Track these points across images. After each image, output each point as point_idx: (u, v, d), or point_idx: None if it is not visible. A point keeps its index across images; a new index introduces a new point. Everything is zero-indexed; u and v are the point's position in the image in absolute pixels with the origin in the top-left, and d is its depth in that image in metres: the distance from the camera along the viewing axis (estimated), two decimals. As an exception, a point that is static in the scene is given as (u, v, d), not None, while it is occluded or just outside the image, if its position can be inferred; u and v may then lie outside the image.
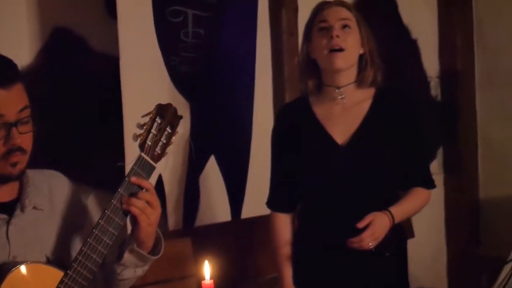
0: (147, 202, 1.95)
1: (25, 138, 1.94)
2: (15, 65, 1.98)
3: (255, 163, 3.69)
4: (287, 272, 2.74)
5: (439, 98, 4.80)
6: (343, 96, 2.66)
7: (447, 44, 4.76)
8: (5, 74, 1.92)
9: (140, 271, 2.10)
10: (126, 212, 1.94)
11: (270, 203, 2.83)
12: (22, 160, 1.95)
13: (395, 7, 4.52)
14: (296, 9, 3.85)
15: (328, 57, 2.61)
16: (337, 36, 2.58)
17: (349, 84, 2.66)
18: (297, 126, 2.71)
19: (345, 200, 2.61)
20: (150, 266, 2.21)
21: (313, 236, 2.69)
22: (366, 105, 2.68)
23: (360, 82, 2.68)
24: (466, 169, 4.80)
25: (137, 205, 1.93)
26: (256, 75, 3.71)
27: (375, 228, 2.54)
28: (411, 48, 4.64)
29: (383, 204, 2.61)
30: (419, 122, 2.77)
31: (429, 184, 2.75)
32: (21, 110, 1.93)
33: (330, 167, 2.64)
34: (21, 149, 1.93)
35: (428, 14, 4.76)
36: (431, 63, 4.76)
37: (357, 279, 2.65)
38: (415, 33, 4.64)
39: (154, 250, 2.06)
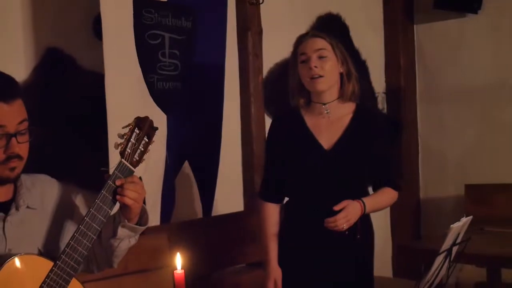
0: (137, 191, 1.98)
1: (22, 147, 1.95)
2: (16, 83, 1.99)
3: (224, 167, 3.72)
4: (274, 254, 2.80)
5: (385, 111, 4.86)
6: (328, 111, 2.77)
7: (392, 64, 4.83)
8: (8, 91, 1.93)
9: (133, 241, 2.11)
10: (114, 201, 1.96)
11: (263, 195, 2.88)
12: (19, 165, 1.96)
13: (347, 32, 4.56)
14: (260, 33, 3.88)
15: (310, 83, 2.72)
16: (315, 67, 2.69)
17: (333, 100, 2.77)
18: (291, 132, 2.79)
19: (327, 193, 2.71)
20: (130, 257, 2.23)
21: (299, 223, 2.77)
22: (347, 119, 2.78)
23: (342, 97, 2.78)
24: (409, 173, 4.85)
25: (130, 195, 1.95)
26: (225, 91, 3.74)
27: (348, 212, 2.64)
28: (361, 67, 4.66)
29: (358, 197, 2.71)
30: (388, 136, 2.95)
31: (397, 187, 2.86)
32: (20, 122, 1.93)
33: (317, 167, 2.74)
34: (19, 156, 1.94)
35: (375, 38, 4.82)
36: (378, 81, 4.81)
37: (335, 257, 2.74)
38: (364, 55, 4.69)
39: (140, 221, 2.08)
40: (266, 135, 2.95)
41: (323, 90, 2.73)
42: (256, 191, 3.83)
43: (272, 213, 2.83)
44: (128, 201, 1.96)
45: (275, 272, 2.78)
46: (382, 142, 2.82)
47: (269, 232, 2.81)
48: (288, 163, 2.77)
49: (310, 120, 2.79)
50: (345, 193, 2.70)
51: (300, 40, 2.79)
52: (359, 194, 2.74)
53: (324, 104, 2.77)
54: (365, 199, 2.71)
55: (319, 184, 2.73)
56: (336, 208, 2.64)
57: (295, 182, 2.79)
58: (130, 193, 1.95)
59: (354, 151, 2.75)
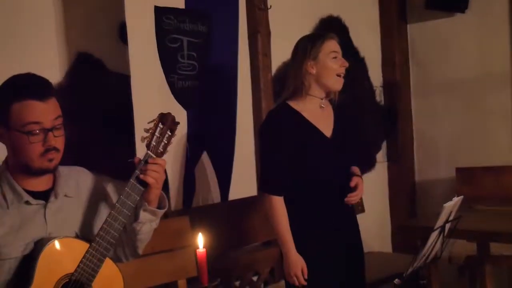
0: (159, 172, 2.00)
1: (58, 141, 1.96)
2: (50, 83, 2.00)
3: (239, 157, 3.72)
4: (292, 244, 2.66)
5: (382, 103, 4.84)
6: (323, 106, 2.77)
7: (388, 61, 4.81)
8: (43, 91, 1.95)
9: (154, 225, 2.12)
10: (142, 189, 1.99)
11: (271, 189, 2.69)
12: (56, 157, 1.98)
13: (347, 32, 4.54)
14: (269, 34, 3.87)
15: (335, 80, 2.71)
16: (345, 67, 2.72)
17: (326, 97, 2.78)
18: (293, 126, 2.70)
19: (335, 174, 2.73)
20: (157, 238, 2.24)
21: (313, 206, 2.71)
22: (331, 111, 2.81)
23: (329, 94, 2.79)
24: (405, 158, 4.85)
25: (152, 175, 1.98)
26: (238, 87, 3.73)
27: (361, 187, 2.74)
28: (360, 64, 4.67)
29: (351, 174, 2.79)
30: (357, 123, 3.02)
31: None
32: (55, 118, 1.95)
33: (324, 152, 2.73)
34: (55, 149, 1.96)
35: (372, 38, 4.80)
36: (375, 76, 4.79)
37: (347, 227, 2.80)
38: (362, 53, 4.67)
39: (160, 205, 2.10)
40: (264, 133, 2.78)
41: (339, 89, 2.74)
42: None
43: (282, 205, 2.68)
44: (150, 179, 1.98)
45: (300, 260, 2.65)
46: (356, 128, 2.94)
47: (283, 224, 2.67)
48: (297, 154, 2.68)
49: (306, 113, 2.73)
50: (347, 172, 2.77)
51: (333, 37, 2.74)
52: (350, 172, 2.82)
53: (322, 99, 2.75)
54: (360, 176, 2.80)
55: (329, 167, 2.72)
56: (353, 184, 2.71)
57: (306, 169, 2.70)
58: (152, 173, 1.98)
59: (346, 136, 2.80)
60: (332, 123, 2.78)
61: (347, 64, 2.72)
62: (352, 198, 2.72)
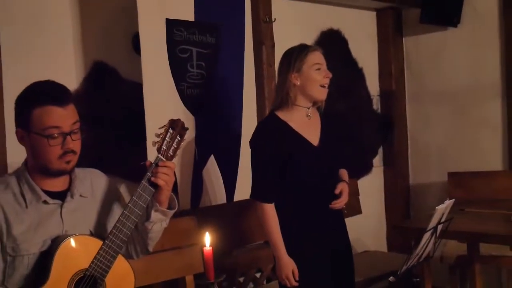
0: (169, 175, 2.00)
1: (76, 144, 1.97)
2: (68, 90, 2.01)
3: (244, 160, 3.72)
4: (283, 249, 2.62)
5: (379, 111, 4.83)
6: (310, 115, 2.70)
7: (385, 71, 4.80)
8: (62, 97, 1.95)
9: (164, 224, 2.12)
10: (153, 190, 1.99)
11: (262, 197, 2.66)
12: (73, 159, 1.98)
13: (346, 44, 4.54)
14: (273, 46, 3.88)
15: (319, 90, 2.65)
16: (328, 78, 2.66)
17: (313, 106, 2.72)
18: (281, 136, 2.64)
19: (322, 181, 2.67)
20: (166, 237, 2.24)
21: (303, 211, 2.65)
22: (318, 119, 2.75)
23: (315, 103, 2.73)
24: (400, 163, 4.83)
25: (162, 177, 1.98)
26: (243, 95, 3.73)
27: (346, 193, 2.68)
28: (358, 74, 4.67)
29: (339, 180, 2.75)
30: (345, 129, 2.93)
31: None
32: (73, 123, 1.96)
33: (312, 160, 2.66)
34: (73, 151, 1.96)
35: (370, 50, 4.79)
36: (373, 85, 4.78)
37: (336, 233, 2.74)
38: (361, 64, 4.67)
39: (170, 206, 2.10)
40: (253, 143, 2.70)
41: (324, 99, 2.68)
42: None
43: (273, 212, 2.64)
44: (160, 182, 1.98)
45: (291, 263, 2.62)
46: (344, 134, 2.87)
47: (275, 230, 2.63)
48: (286, 163, 2.62)
49: (293, 123, 2.67)
50: (334, 178, 2.73)
51: (316, 49, 2.69)
52: (338, 177, 2.78)
53: (308, 108, 2.70)
54: (346, 181, 2.75)
55: (317, 174, 2.66)
56: (337, 191, 2.66)
57: (295, 177, 2.64)
58: (162, 175, 1.98)
59: (333, 144, 2.75)
60: (319, 131, 2.72)
61: (330, 75, 2.66)
62: (336, 205, 2.66)
